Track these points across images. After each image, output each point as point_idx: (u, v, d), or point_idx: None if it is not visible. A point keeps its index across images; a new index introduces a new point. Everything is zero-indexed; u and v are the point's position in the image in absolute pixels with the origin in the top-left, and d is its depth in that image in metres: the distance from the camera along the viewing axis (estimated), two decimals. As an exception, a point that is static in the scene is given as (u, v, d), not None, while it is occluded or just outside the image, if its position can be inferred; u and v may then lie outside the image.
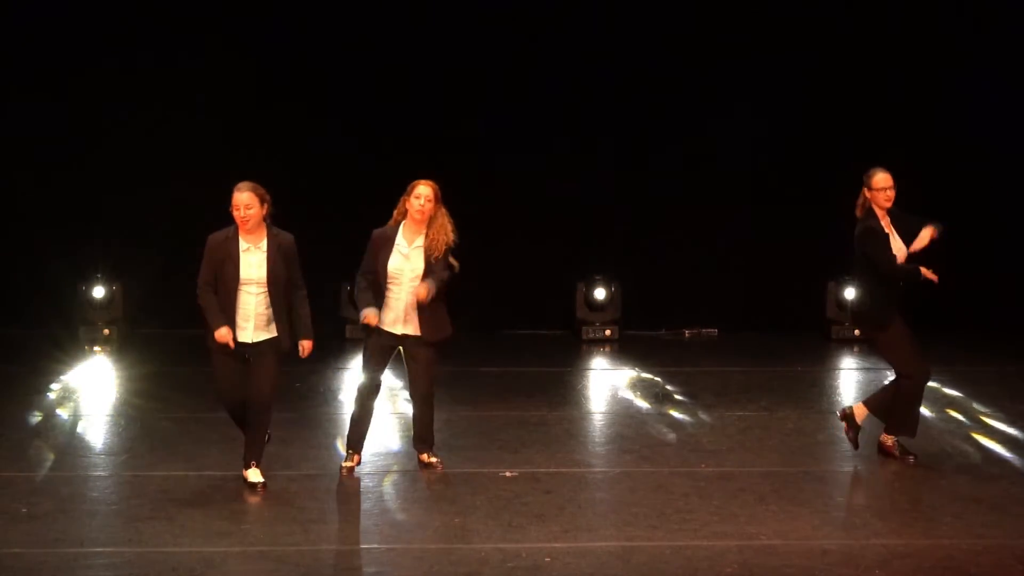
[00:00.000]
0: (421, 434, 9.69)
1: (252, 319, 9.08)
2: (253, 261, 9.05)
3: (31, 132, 14.79)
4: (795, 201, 15.14)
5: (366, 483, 9.39)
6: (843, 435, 10.12)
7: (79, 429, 10.90)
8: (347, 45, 15.19)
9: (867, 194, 9.82)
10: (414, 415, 9.68)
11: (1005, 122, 15.43)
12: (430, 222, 9.36)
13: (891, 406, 9.89)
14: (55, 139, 14.85)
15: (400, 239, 9.37)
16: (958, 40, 15.38)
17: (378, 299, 9.37)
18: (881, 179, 9.80)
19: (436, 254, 9.29)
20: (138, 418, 11.24)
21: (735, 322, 15.53)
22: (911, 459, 9.86)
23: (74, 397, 12.09)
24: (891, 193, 9.81)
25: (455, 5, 15.23)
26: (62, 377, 12.85)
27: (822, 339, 15.04)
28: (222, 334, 8.95)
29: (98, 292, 14.56)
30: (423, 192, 9.35)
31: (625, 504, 8.95)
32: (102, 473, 9.72)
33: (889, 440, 9.95)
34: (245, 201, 9.00)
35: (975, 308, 15.40)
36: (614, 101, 15.40)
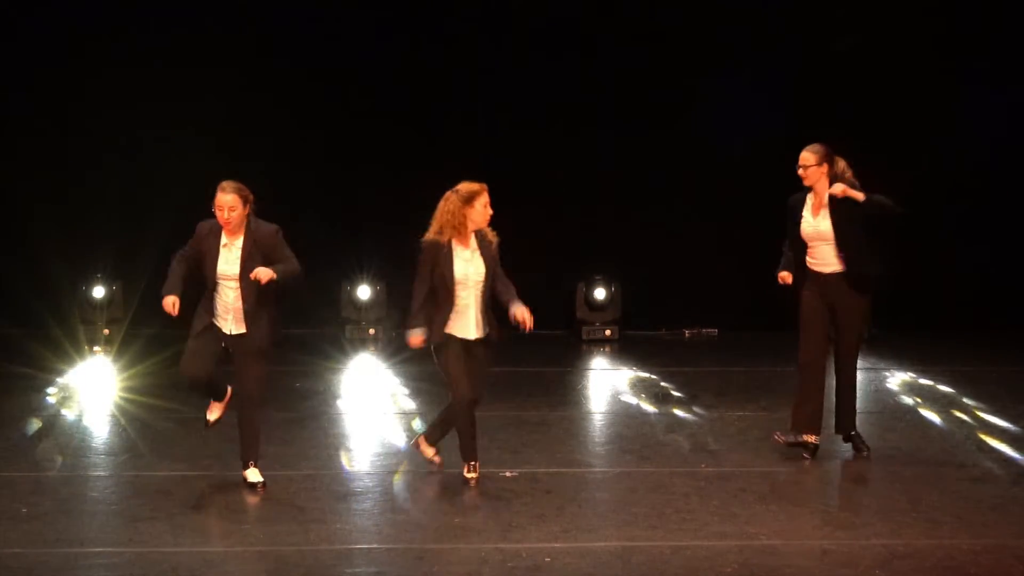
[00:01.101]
0: (468, 445, 9.43)
1: (231, 312, 9.20)
2: (230, 257, 9.17)
3: (31, 132, 14.80)
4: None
5: (366, 483, 9.39)
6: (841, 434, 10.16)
7: (79, 429, 10.90)
8: (347, 47, 15.21)
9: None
10: (458, 429, 9.46)
11: (1005, 122, 15.44)
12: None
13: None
14: (55, 139, 14.86)
15: (455, 245, 9.21)
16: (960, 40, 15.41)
17: (440, 310, 9.19)
18: (800, 157, 9.94)
19: (492, 252, 9.22)
20: (138, 418, 11.24)
21: (735, 322, 15.53)
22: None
23: (74, 397, 12.09)
24: (800, 171, 9.97)
25: (450, 7, 15.26)
26: (62, 377, 12.85)
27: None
28: (167, 302, 9.05)
29: (98, 292, 14.57)
30: (489, 199, 9.24)
31: (625, 504, 8.95)
32: (102, 473, 9.72)
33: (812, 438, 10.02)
34: (229, 203, 9.07)
35: (975, 308, 15.41)
36: (614, 101, 15.41)
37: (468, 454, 9.30)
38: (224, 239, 9.17)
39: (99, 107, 14.81)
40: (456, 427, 9.34)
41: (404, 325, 9.33)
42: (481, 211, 9.20)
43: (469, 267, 9.19)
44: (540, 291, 15.59)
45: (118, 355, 13.99)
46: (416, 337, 9.18)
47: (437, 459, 9.51)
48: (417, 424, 11.14)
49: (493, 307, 9.28)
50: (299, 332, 14.67)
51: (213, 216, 9.14)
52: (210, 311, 9.22)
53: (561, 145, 15.30)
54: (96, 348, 14.27)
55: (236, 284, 9.17)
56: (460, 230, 9.16)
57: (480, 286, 9.19)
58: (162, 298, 9.08)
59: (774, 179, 15.33)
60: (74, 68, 14.82)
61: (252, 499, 8.95)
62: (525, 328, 9.11)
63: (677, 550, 7.97)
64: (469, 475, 9.27)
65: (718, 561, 7.76)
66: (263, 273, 8.98)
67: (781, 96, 15.30)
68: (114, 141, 14.85)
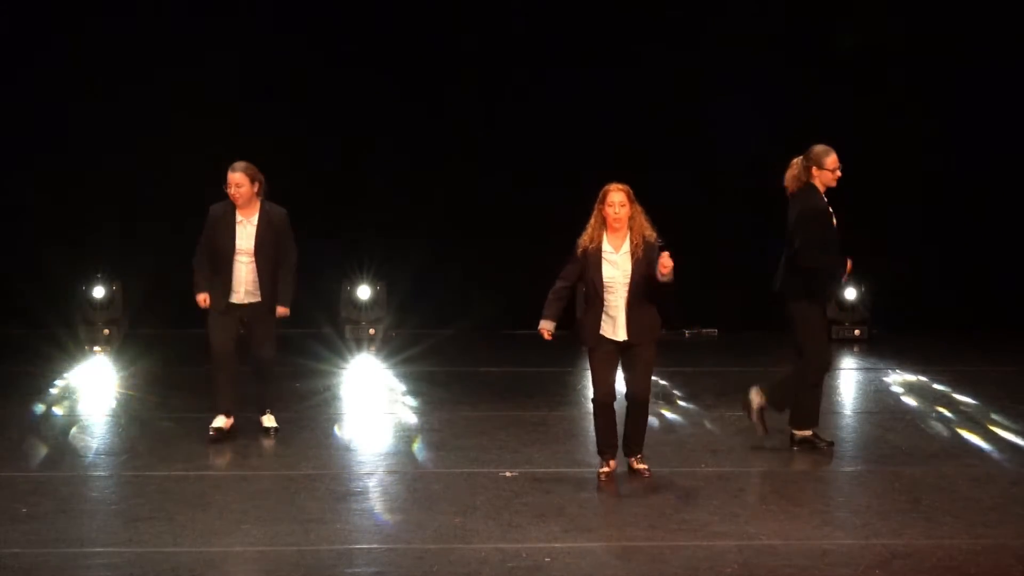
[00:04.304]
0: (630, 438, 9.52)
1: (244, 284, 10.18)
2: (244, 233, 10.14)
3: (31, 132, 14.80)
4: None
5: (366, 483, 9.39)
6: (842, 435, 10.14)
7: (79, 429, 10.90)
8: (346, 50, 15.21)
9: (815, 172, 9.93)
10: (626, 419, 9.50)
11: (1006, 122, 15.44)
12: (630, 224, 9.26)
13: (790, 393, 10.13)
14: (55, 139, 14.86)
15: (606, 246, 9.25)
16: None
17: (590, 311, 9.30)
18: (835, 160, 10.00)
19: (640, 257, 9.17)
20: (138, 418, 11.24)
21: (735, 322, 15.53)
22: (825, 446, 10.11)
23: (74, 397, 12.09)
24: (839, 174, 10.01)
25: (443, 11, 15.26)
26: (62, 377, 12.85)
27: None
28: (200, 299, 10.24)
29: (98, 292, 14.57)
30: (615, 199, 9.24)
31: (625, 504, 8.95)
32: (102, 473, 9.72)
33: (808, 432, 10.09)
34: (237, 180, 10.10)
35: (975, 308, 15.40)
36: (613, 100, 15.41)
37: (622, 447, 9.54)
38: (239, 217, 10.14)
39: (99, 107, 14.80)
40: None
41: None
42: (609, 211, 9.25)
43: (616, 270, 9.23)
44: (540, 291, 15.66)
45: (118, 355, 13.99)
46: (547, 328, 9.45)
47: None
48: (417, 424, 11.14)
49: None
50: (299, 332, 14.66)
51: (224, 198, 10.13)
52: (225, 289, 10.17)
53: (561, 146, 15.29)
54: (96, 348, 14.27)
55: (251, 259, 10.15)
56: (597, 227, 9.28)
57: (627, 289, 9.21)
58: (197, 294, 10.26)
59: (774, 179, 15.42)
60: (75, 68, 14.81)
61: (252, 499, 8.94)
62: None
63: (677, 550, 7.97)
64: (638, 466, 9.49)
65: (718, 561, 7.76)
66: (282, 314, 10.31)
67: (781, 95, 15.29)
68: (114, 141, 14.84)
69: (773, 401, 10.18)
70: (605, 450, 9.47)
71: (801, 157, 10.06)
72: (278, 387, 10.61)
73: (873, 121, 15.21)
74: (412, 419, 11.33)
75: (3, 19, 14.85)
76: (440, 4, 15.35)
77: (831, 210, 10.03)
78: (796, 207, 10.02)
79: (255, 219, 10.15)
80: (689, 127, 15.30)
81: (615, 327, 9.27)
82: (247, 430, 10.72)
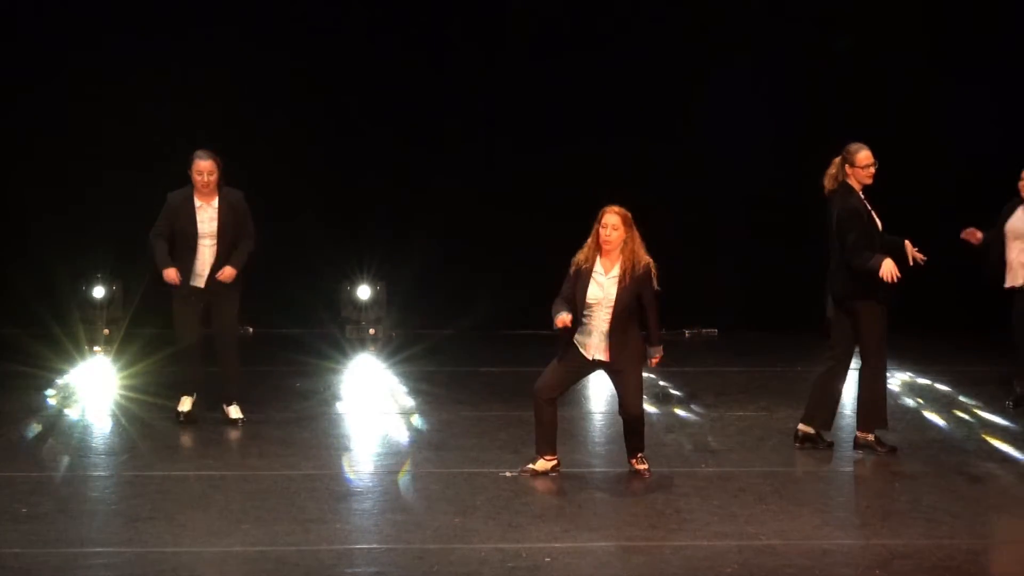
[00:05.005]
0: (629, 443, 9.49)
1: (208, 268, 10.45)
2: (206, 217, 10.42)
3: (31, 132, 14.80)
4: (795, 200, 15.13)
5: (366, 483, 9.39)
6: (842, 435, 10.13)
7: (79, 429, 10.90)
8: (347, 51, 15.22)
9: (848, 170, 9.89)
10: (624, 432, 9.49)
11: (1006, 122, 15.45)
12: (622, 250, 9.23)
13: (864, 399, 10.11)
14: (55, 139, 14.86)
15: (598, 267, 9.24)
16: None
17: (574, 328, 9.25)
18: (867, 156, 9.96)
19: (627, 284, 9.14)
20: (138, 418, 11.24)
21: (735, 322, 15.53)
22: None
23: (74, 397, 12.09)
24: (873, 170, 9.94)
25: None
26: (62, 377, 12.85)
27: (822, 339, 15.02)
28: (170, 274, 10.37)
29: (98, 292, 14.56)
30: (609, 221, 9.21)
31: (625, 504, 8.95)
32: (102, 473, 9.72)
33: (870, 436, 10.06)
34: (208, 168, 10.38)
35: (975, 308, 15.39)
36: (612, 101, 15.41)
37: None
38: (199, 202, 10.42)
39: (100, 107, 14.80)
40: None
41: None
42: (602, 232, 9.23)
43: (600, 292, 9.19)
44: (540, 291, 15.66)
45: (118, 355, 13.98)
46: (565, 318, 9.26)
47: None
48: (417, 424, 11.14)
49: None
50: (299, 332, 14.67)
51: (180, 187, 10.47)
52: (187, 274, 10.41)
53: (561, 146, 15.29)
54: (96, 348, 14.27)
55: (213, 241, 10.43)
56: (593, 246, 9.26)
57: (609, 312, 9.17)
58: (161, 272, 10.38)
59: (774, 178, 15.44)
60: (74, 68, 14.81)
61: (252, 499, 8.94)
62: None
63: (677, 550, 7.96)
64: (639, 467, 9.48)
65: (718, 561, 7.76)
66: (228, 274, 10.43)
67: (780, 94, 15.29)
68: (114, 141, 14.85)
69: (871, 424, 10.10)
70: (542, 447, 9.44)
71: (840, 156, 10.01)
72: (239, 375, 10.81)
73: (870, 121, 15.21)
74: (412, 419, 11.32)
75: (7, 18, 14.86)
76: (440, 4, 15.35)
77: (870, 208, 9.97)
78: (834, 208, 9.94)
79: (215, 203, 10.43)
80: (690, 127, 15.30)
81: (590, 347, 9.27)
82: (247, 430, 10.72)
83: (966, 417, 11.39)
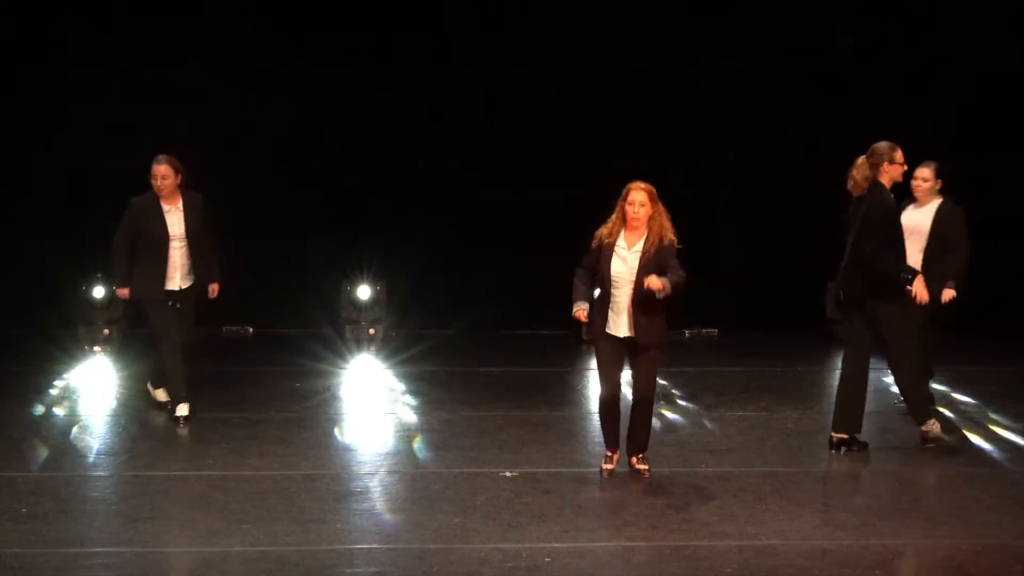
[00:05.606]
0: (633, 436, 9.53)
1: (179, 269, 10.73)
2: (174, 220, 10.67)
3: (31, 132, 14.79)
4: (795, 200, 15.14)
5: (366, 483, 9.39)
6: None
7: (79, 429, 10.90)
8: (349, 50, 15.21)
9: (885, 167, 9.87)
10: (631, 416, 9.51)
11: (1008, 122, 15.44)
12: (649, 224, 9.27)
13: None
14: (55, 139, 14.86)
15: (621, 242, 9.29)
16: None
17: (600, 305, 9.34)
18: (902, 154, 9.96)
19: (651, 256, 9.19)
20: (138, 418, 11.24)
21: (735, 322, 15.53)
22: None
23: (74, 397, 12.09)
24: (906, 167, 10.04)
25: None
26: (62, 377, 12.85)
27: (822, 339, 15.04)
28: (124, 293, 10.81)
29: (98, 292, 14.55)
30: (636, 198, 9.24)
31: (625, 504, 8.95)
32: (102, 473, 9.72)
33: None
34: (163, 172, 10.65)
35: (975, 308, 15.38)
36: (612, 100, 15.40)
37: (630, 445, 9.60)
38: (165, 207, 10.68)
39: (100, 107, 14.79)
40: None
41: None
42: (628, 208, 9.27)
43: (624, 266, 9.26)
44: (540, 291, 15.67)
45: (118, 355, 13.98)
46: (581, 311, 9.36)
47: None
48: (417, 424, 11.15)
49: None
50: (298, 332, 14.66)
51: (142, 193, 10.70)
52: (160, 276, 10.66)
53: (560, 147, 15.28)
54: (96, 348, 14.26)
55: (183, 243, 10.70)
56: (617, 222, 9.32)
57: (632, 287, 9.23)
58: (119, 289, 10.85)
59: (774, 178, 15.43)
60: (75, 69, 14.80)
61: (252, 499, 8.94)
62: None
63: (677, 550, 7.97)
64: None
65: (718, 561, 7.77)
66: (216, 291, 10.96)
67: (779, 94, 15.28)
68: (114, 141, 14.83)
69: (923, 415, 10.18)
70: (610, 442, 9.52)
71: (864, 156, 9.98)
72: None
73: (870, 121, 15.20)
74: (412, 419, 11.33)
75: (5, 20, 14.84)
76: (442, 4, 15.35)
77: (898, 207, 10.02)
78: (863, 205, 9.90)
79: (180, 205, 10.71)
80: (690, 127, 15.29)
81: (618, 323, 9.29)
82: (248, 430, 10.73)
83: (966, 417, 11.39)
